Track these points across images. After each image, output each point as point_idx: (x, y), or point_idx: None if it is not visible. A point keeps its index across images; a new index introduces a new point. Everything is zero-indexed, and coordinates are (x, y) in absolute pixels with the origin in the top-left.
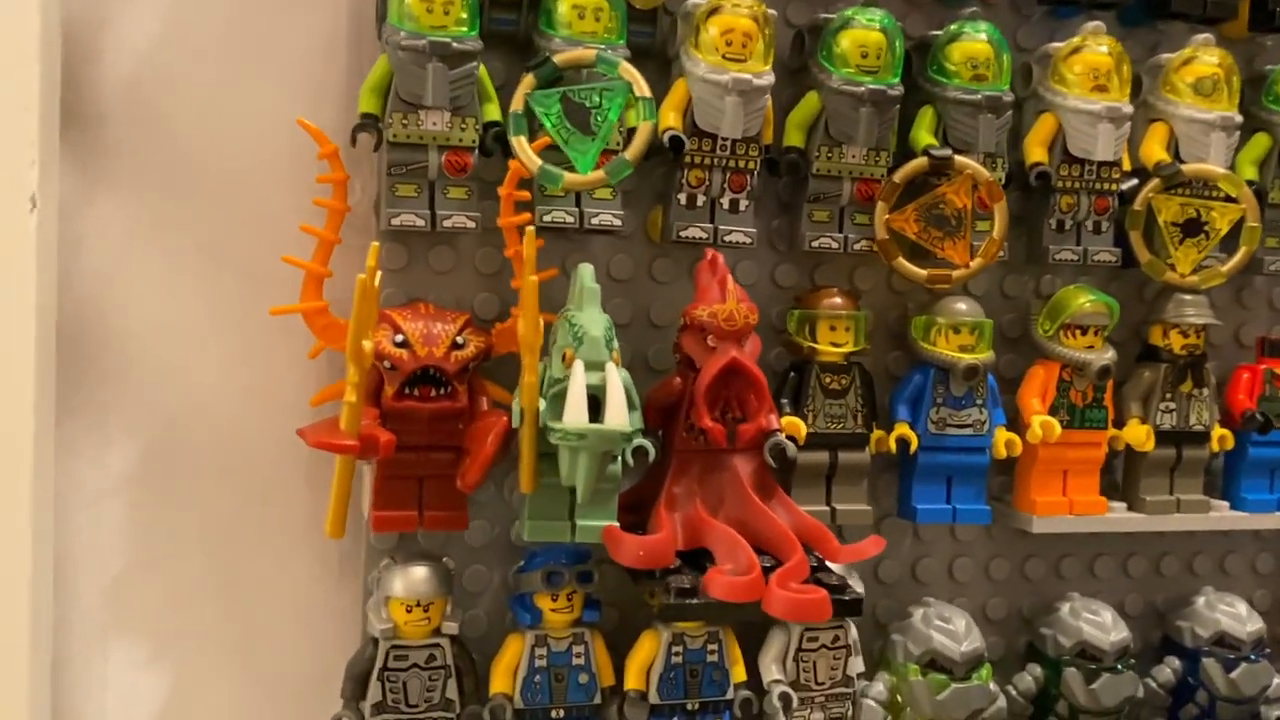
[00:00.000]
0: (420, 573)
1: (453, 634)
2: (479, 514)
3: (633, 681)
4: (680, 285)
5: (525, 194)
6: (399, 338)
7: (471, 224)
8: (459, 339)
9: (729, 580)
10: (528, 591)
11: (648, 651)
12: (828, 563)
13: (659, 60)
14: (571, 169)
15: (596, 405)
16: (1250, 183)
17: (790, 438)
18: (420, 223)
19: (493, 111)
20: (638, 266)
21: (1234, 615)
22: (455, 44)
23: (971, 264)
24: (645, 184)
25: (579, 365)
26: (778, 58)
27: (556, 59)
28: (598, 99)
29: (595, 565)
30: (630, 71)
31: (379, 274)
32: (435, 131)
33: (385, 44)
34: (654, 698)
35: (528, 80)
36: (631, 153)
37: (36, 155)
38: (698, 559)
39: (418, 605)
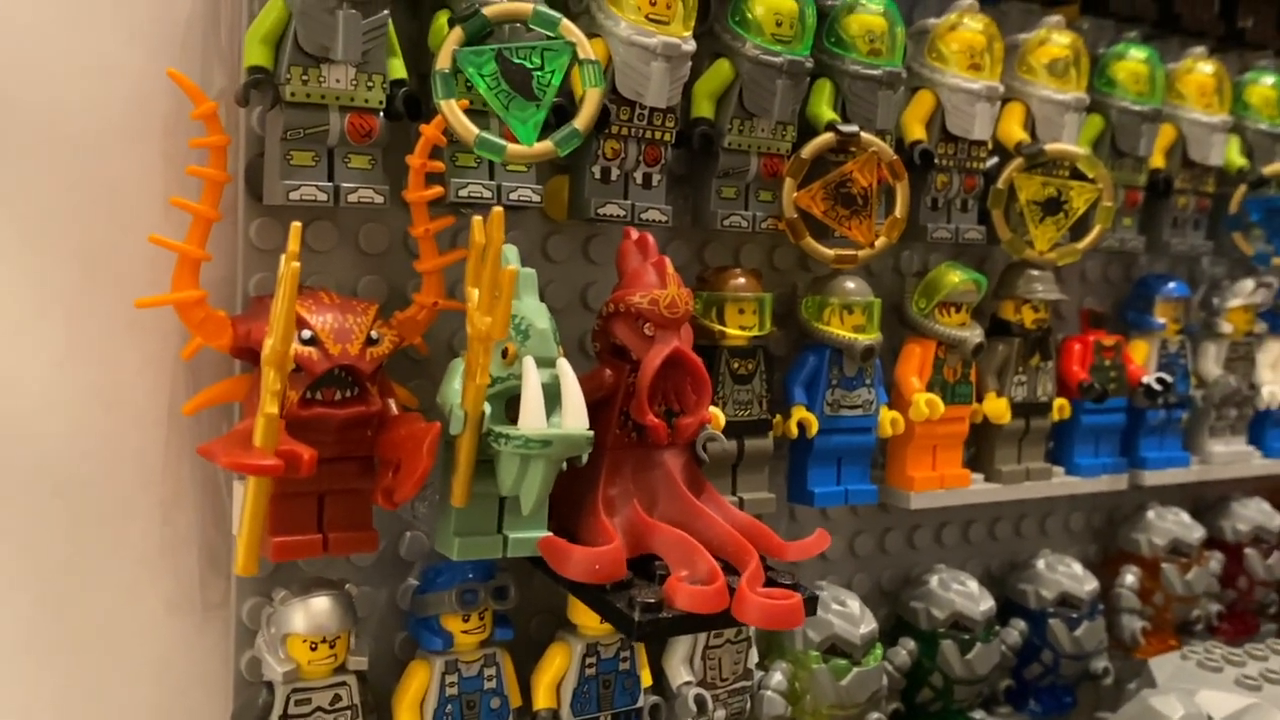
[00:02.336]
0: (323, 604)
1: (361, 669)
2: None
3: (542, 700)
4: (575, 264)
5: (438, 165)
6: (306, 334)
7: (380, 199)
8: (373, 334)
9: (695, 591)
10: (434, 614)
11: (558, 666)
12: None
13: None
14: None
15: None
16: None
17: None
18: (322, 197)
19: (398, 68)
20: (531, 244)
21: (1073, 576)
22: None
23: (876, 243)
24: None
25: (530, 363)
26: None
27: (487, 11)
28: (539, 60)
29: (505, 579)
30: (573, 31)
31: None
32: (339, 90)
33: None
34: (566, 716)
35: (455, 34)
36: (582, 122)
37: None
38: (643, 565)
39: (323, 641)
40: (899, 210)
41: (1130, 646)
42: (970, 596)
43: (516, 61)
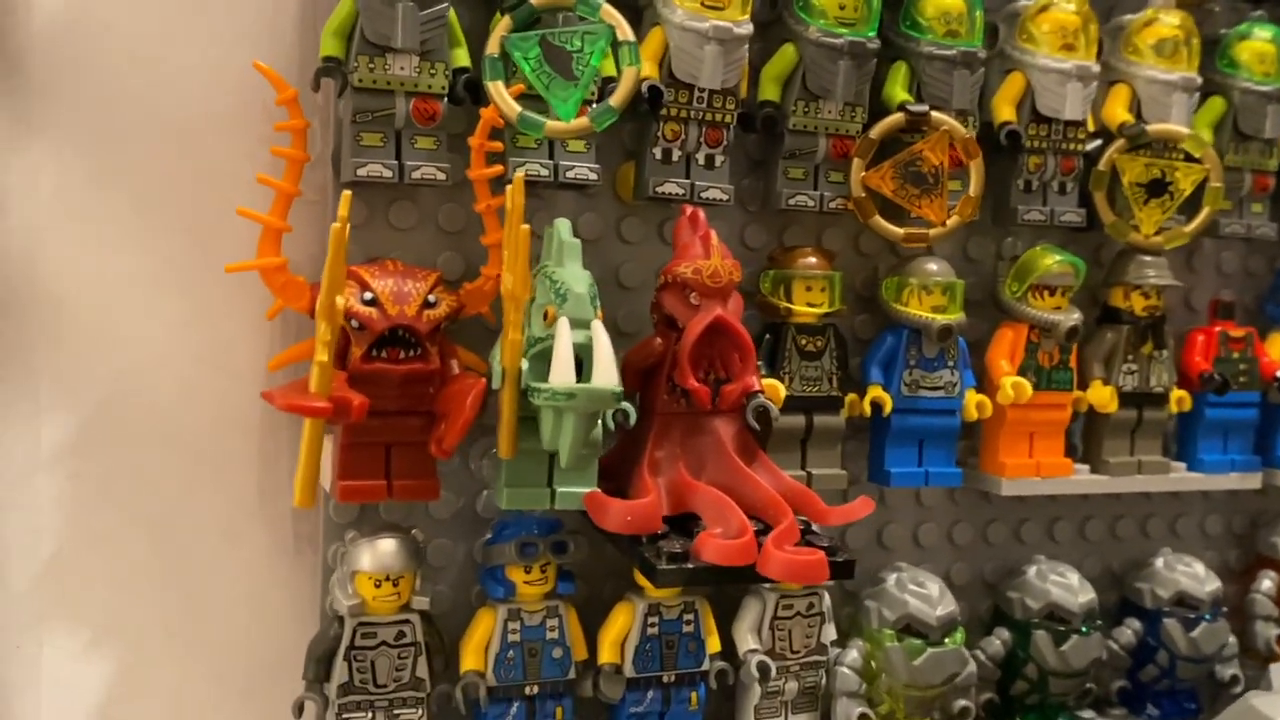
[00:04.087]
0: (389, 545)
1: (423, 609)
2: (444, 485)
3: (607, 655)
4: (650, 245)
5: (497, 145)
6: (368, 295)
7: (442, 176)
8: (431, 298)
9: (722, 544)
10: (499, 564)
11: (622, 624)
12: (814, 525)
13: (627, 7)
14: (552, 116)
15: (580, 365)
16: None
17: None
18: (388, 174)
19: (461, 57)
20: (606, 226)
21: (1193, 575)
22: None
23: (948, 222)
24: (613, 139)
25: (564, 323)
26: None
27: (534, 0)
28: (579, 43)
29: (568, 535)
30: (613, 14)
31: (348, 227)
32: (404, 76)
33: None
34: (629, 671)
35: (504, 22)
36: (617, 99)
37: None
38: (683, 524)
39: (387, 579)
40: (973, 189)
41: (1265, 655)
42: (1069, 588)
43: (558, 45)
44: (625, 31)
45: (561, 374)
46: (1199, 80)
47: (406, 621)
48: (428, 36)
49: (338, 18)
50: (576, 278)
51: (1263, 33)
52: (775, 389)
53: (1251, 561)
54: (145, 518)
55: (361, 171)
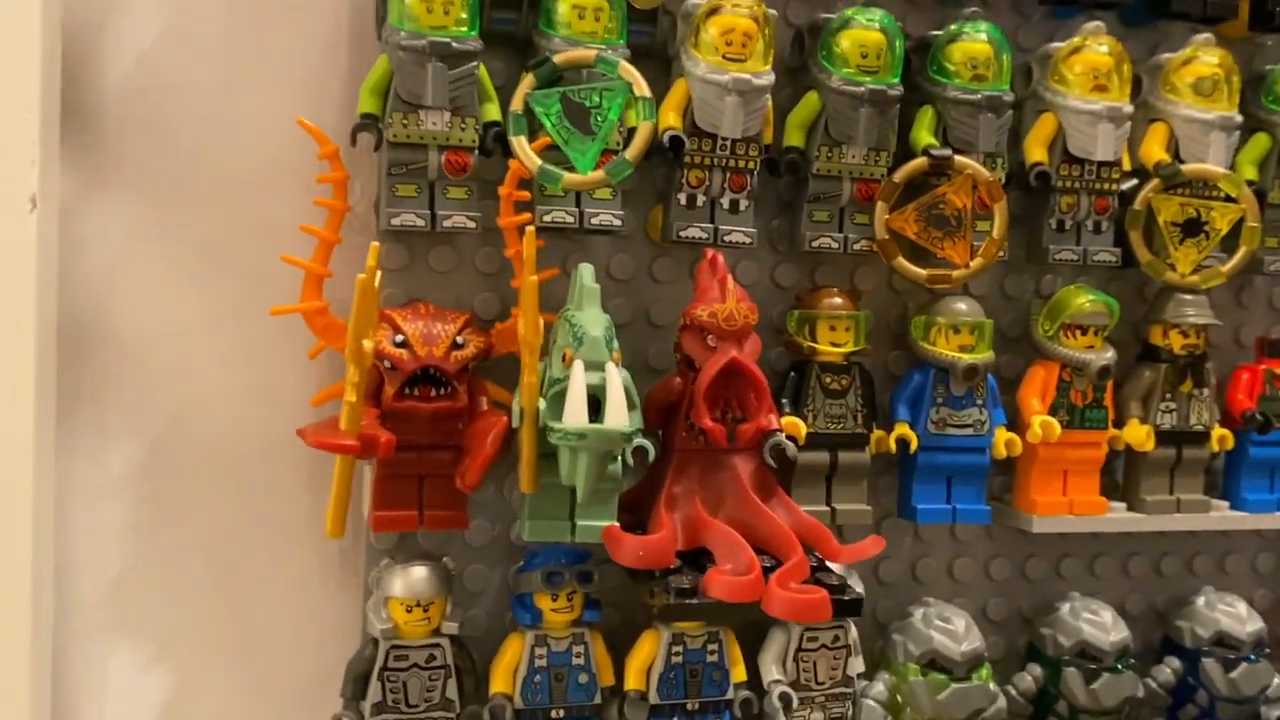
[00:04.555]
0: (420, 573)
1: (453, 634)
2: (479, 514)
3: (633, 681)
4: (681, 285)
5: (525, 194)
6: (399, 338)
7: (472, 224)
8: (459, 339)
9: (729, 580)
10: (528, 591)
11: (648, 652)
12: (828, 563)
13: (659, 60)
14: (572, 169)
15: (597, 405)
16: (1250, 183)
17: (790, 438)
18: (420, 223)
19: (493, 111)
20: (638, 266)
21: (1234, 615)
22: (455, 44)
23: (972, 264)
24: (646, 184)
25: (579, 365)
26: (778, 57)
27: (556, 59)
28: (598, 99)
29: (595, 565)
30: (630, 71)
31: (379, 274)
32: (435, 131)
33: (385, 44)
34: (654, 698)
35: (528, 80)
36: (631, 153)
37: (37, 155)
38: (698, 559)
39: (417, 605)
40: (996, 231)
41: None
42: (1101, 626)
43: (578, 101)
44: (641, 88)
45: (574, 415)
46: (1238, 119)
47: (437, 645)
48: (457, 94)
49: (374, 77)
50: (594, 321)
51: None
52: (796, 426)
53: None
54: (203, 541)
55: (395, 221)
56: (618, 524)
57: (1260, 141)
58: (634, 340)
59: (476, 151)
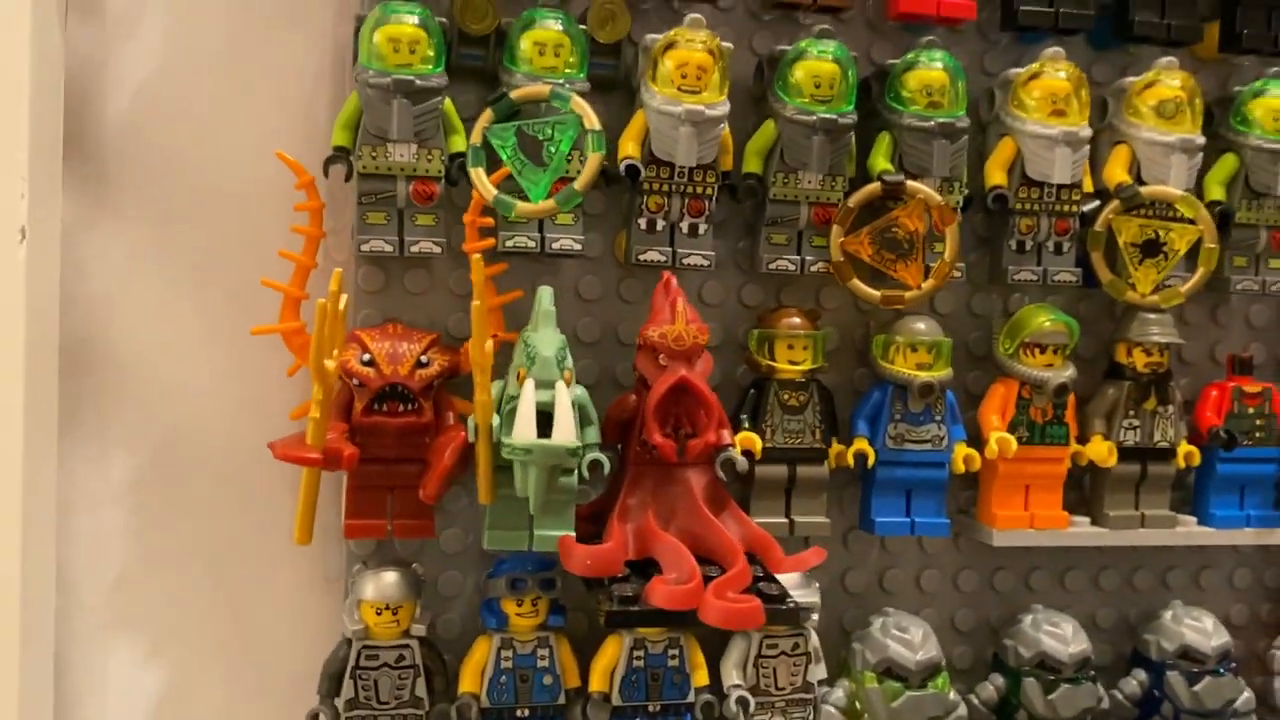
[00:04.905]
0: (390, 578)
1: (420, 636)
2: (453, 523)
3: (596, 684)
4: (646, 305)
5: (489, 220)
6: (366, 357)
7: (437, 249)
8: (423, 358)
9: (669, 589)
10: (495, 597)
11: (611, 655)
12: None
13: (624, 91)
14: (526, 198)
15: (549, 421)
16: (1216, 203)
17: (747, 452)
18: (389, 248)
19: (458, 143)
20: (606, 288)
21: (1199, 629)
22: (419, 81)
23: (924, 285)
24: (615, 209)
25: (530, 384)
26: (743, 86)
27: (513, 94)
28: (551, 132)
29: (559, 573)
30: (581, 105)
31: (345, 297)
32: (402, 162)
33: (356, 81)
34: (617, 699)
35: (486, 115)
36: (580, 183)
37: (27, 189)
38: (650, 568)
39: (387, 608)
40: (948, 254)
41: None
42: (1061, 638)
43: (532, 134)
44: (592, 121)
45: (523, 430)
46: (1198, 141)
47: (406, 646)
48: (422, 127)
49: (346, 112)
50: (547, 342)
51: (1278, 89)
52: (751, 441)
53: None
54: (197, 545)
55: (365, 247)
56: (573, 534)
57: (1228, 162)
58: (603, 358)
59: (443, 180)
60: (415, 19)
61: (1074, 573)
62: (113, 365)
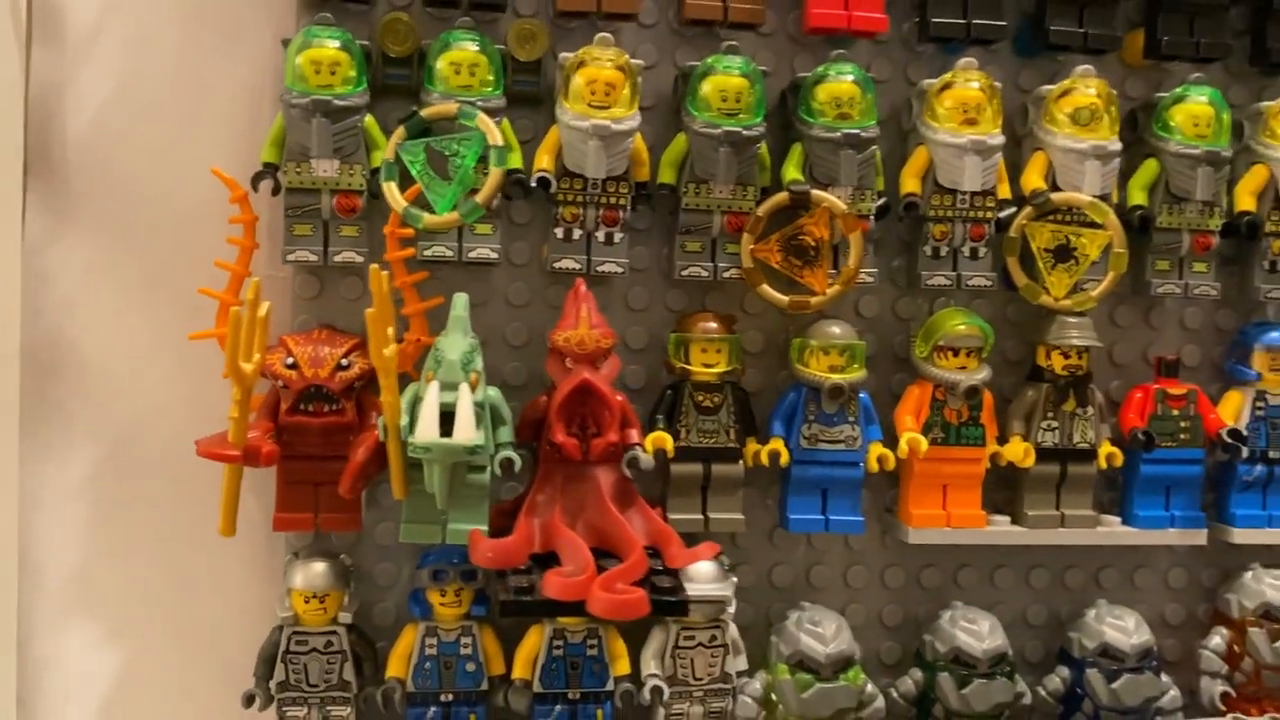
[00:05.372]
0: (318, 568)
1: (347, 623)
2: (387, 516)
3: (519, 671)
4: None
5: (409, 231)
6: (290, 360)
7: (359, 259)
8: (344, 361)
9: (561, 581)
10: (420, 587)
11: (533, 644)
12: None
13: (547, 106)
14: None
15: (453, 421)
16: (1138, 207)
17: (659, 450)
18: (314, 258)
19: (380, 158)
20: (534, 293)
21: (1120, 628)
22: (337, 101)
23: (829, 291)
24: (542, 219)
25: (434, 386)
26: (666, 99)
27: (422, 113)
28: (457, 147)
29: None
30: (485, 122)
31: (267, 304)
32: (325, 177)
33: (281, 102)
34: (538, 687)
35: (399, 132)
36: (481, 196)
37: None
38: (556, 560)
39: (314, 597)
40: (852, 260)
41: (1210, 711)
42: (976, 634)
43: (439, 150)
44: (495, 137)
45: (424, 430)
46: (1111, 147)
47: (334, 632)
48: (341, 144)
49: (274, 131)
50: (452, 346)
51: (1199, 95)
52: (662, 440)
53: (1211, 615)
54: (153, 537)
55: (291, 257)
56: (485, 527)
57: (1150, 167)
58: (530, 360)
59: (365, 193)
60: (336, 43)
61: (1003, 570)
62: (73, 368)
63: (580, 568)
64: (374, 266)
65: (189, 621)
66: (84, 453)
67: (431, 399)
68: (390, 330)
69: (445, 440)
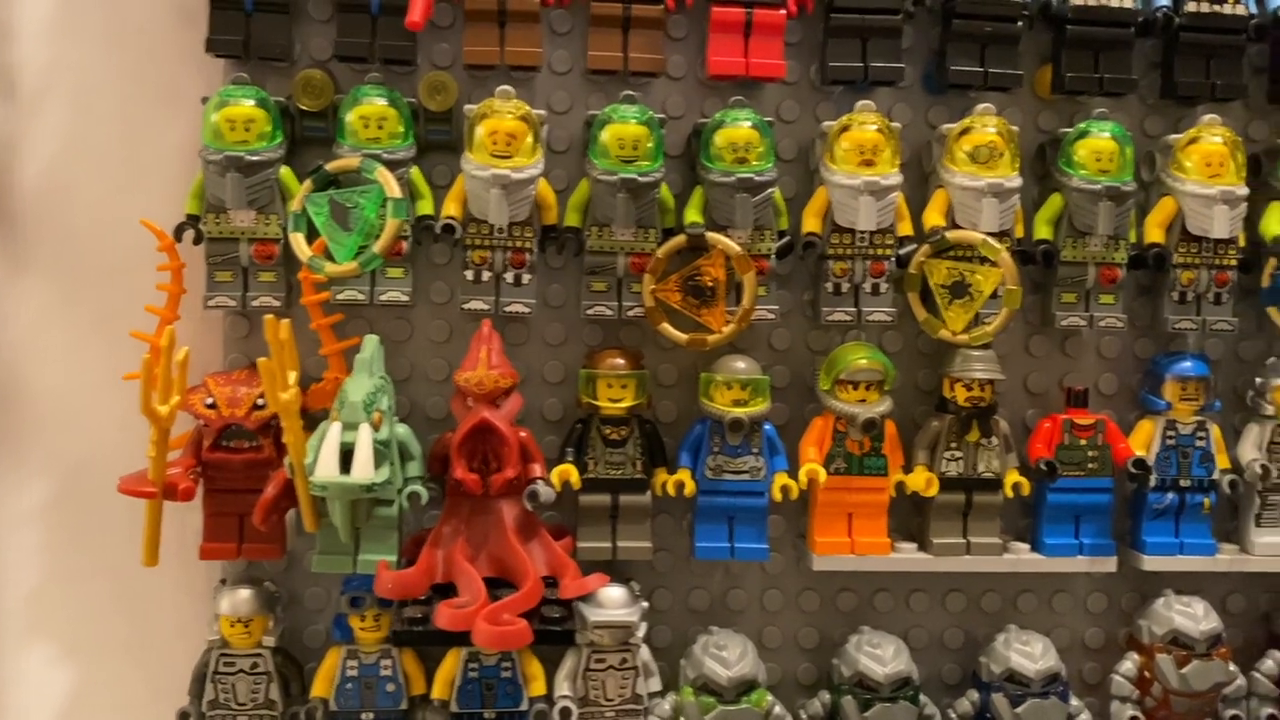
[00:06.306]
0: (244, 594)
1: (272, 646)
2: (315, 546)
3: (437, 692)
4: None
5: (321, 276)
6: (209, 400)
7: (277, 303)
8: (260, 400)
9: (450, 612)
10: (342, 613)
11: (450, 666)
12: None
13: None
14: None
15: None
16: (1042, 242)
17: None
18: (233, 303)
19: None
20: (453, 330)
21: (1026, 654)
22: (249, 156)
23: (725, 330)
24: (461, 259)
25: (335, 425)
26: (579, 145)
27: (327, 166)
28: (358, 199)
29: None
30: (384, 175)
31: (184, 350)
32: (243, 227)
33: (200, 158)
34: (454, 707)
35: (306, 184)
36: (379, 246)
37: None
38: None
39: (239, 621)
40: (745, 300)
41: None
42: (878, 659)
43: (341, 201)
44: (392, 190)
45: (322, 468)
46: (1008, 184)
47: (260, 654)
48: (255, 196)
49: (196, 184)
50: (356, 388)
51: (1102, 130)
52: (568, 473)
53: (1126, 641)
54: (103, 561)
55: (212, 303)
56: (394, 558)
57: (1054, 202)
58: (450, 395)
59: (282, 242)
60: (252, 100)
61: (919, 594)
62: (30, 403)
63: (472, 599)
64: (268, 317)
65: (136, 642)
66: (38, 483)
67: (332, 438)
68: (293, 374)
69: (343, 479)
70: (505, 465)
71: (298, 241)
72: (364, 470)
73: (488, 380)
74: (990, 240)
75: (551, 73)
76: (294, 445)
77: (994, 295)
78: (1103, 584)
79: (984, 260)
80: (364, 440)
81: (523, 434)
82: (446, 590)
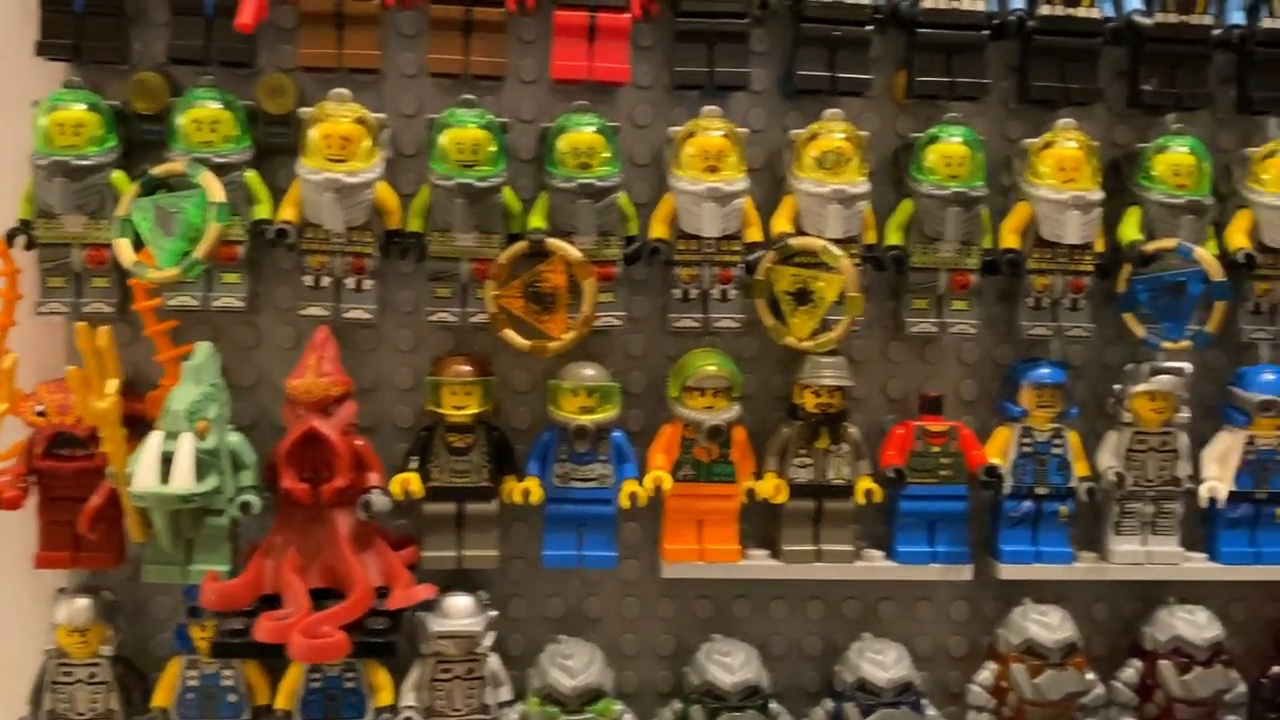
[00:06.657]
0: (81, 603)
1: (109, 656)
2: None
3: (280, 702)
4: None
5: (147, 284)
6: (40, 408)
7: (109, 309)
8: None
9: (271, 625)
10: (183, 623)
11: (294, 676)
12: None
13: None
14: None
15: None
16: (892, 248)
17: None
18: (65, 310)
19: None
20: (300, 337)
21: (878, 662)
22: (75, 160)
23: (565, 336)
24: None
25: (156, 435)
26: (425, 149)
27: (153, 170)
28: (182, 204)
29: None
30: (208, 179)
31: (13, 356)
32: (75, 232)
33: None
34: (297, 718)
35: (133, 189)
36: (199, 251)
37: None
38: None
39: (76, 630)
40: (585, 307)
41: None
42: (726, 667)
43: (165, 206)
44: (215, 194)
45: (141, 478)
46: (854, 190)
47: (98, 664)
48: (84, 201)
49: (27, 188)
50: (179, 397)
51: (953, 135)
52: (408, 481)
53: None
54: None
55: (44, 309)
56: (227, 568)
57: (905, 207)
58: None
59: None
60: (83, 105)
61: (779, 602)
62: None
63: (296, 610)
64: (79, 325)
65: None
66: None
67: (150, 447)
68: (114, 381)
69: (160, 489)
70: (336, 474)
71: (121, 247)
72: (183, 480)
73: (316, 388)
74: (831, 247)
75: (402, 76)
76: (115, 454)
77: (839, 301)
78: (964, 592)
79: (827, 267)
80: (184, 450)
81: (358, 442)
82: (277, 601)
